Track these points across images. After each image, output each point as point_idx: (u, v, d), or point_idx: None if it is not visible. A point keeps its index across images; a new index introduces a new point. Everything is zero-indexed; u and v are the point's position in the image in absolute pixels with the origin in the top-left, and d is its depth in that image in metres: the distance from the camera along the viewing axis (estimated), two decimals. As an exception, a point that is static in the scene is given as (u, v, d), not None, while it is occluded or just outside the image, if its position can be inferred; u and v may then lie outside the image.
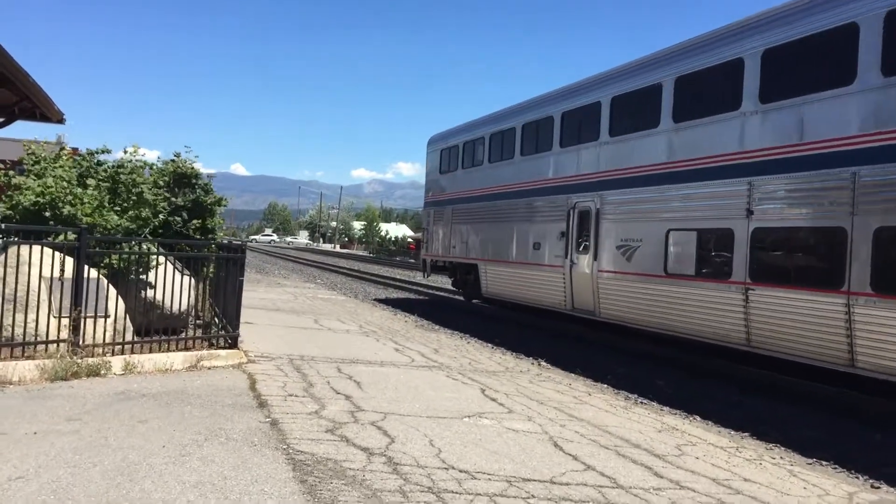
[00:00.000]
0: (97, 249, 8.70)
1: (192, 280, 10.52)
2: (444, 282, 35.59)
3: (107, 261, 9.06)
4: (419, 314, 19.34)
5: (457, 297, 24.84)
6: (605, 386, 10.29)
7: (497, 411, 7.63)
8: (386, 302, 22.70)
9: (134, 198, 10.34)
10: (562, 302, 14.95)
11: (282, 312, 16.13)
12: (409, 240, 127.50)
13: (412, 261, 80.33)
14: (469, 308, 21.64)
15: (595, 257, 13.69)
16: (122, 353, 8.27)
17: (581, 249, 14.18)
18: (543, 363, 11.92)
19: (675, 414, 8.69)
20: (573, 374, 11.02)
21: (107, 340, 8.24)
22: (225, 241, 12.00)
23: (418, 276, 41.44)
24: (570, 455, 6.11)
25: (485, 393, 8.63)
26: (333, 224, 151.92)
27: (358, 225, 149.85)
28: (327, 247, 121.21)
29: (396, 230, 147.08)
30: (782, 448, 7.35)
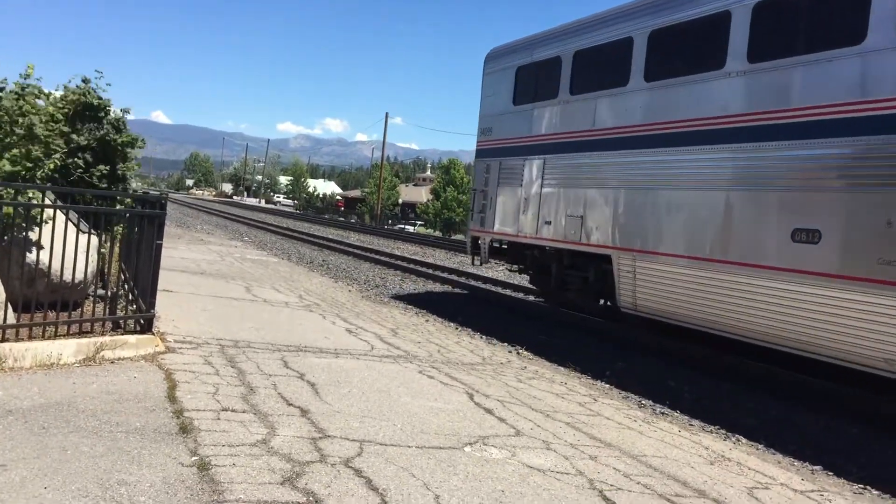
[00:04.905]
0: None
1: (97, 240, 8.25)
2: (379, 244, 33.41)
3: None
4: (362, 282, 17.35)
5: (397, 259, 22.78)
6: (608, 386, 8.55)
7: (502, 433, 5.78)
8: (323, 266, 20.54)
9: (20, 131, 7.93)
10: None
11: (207, 276, 13.87)
12: (338, 197, 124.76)
13: (342, 219, 77.93)
14: (411, 274, 19.66)
15: None
16: (-11, 340, 6.04)
17: None
18: (523, 351, 10.11)
19: (711, 432, 7.00)
20: (563, 369, 9.26)
21: (-34, 324, 5.98)
22: (140, 193, 9.68)
23: (352, 237, 39.24)
24: (633, 519, 4.30)
25: (474, 399, 6.76)
26: (259, 178, 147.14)
27: (284, 180, 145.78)
28: (252, 201, 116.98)
29: (324, 187, 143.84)
30: (873, 491, 5.73)
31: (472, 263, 15.89)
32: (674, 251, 9.58)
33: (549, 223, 12.34)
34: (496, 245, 14.69)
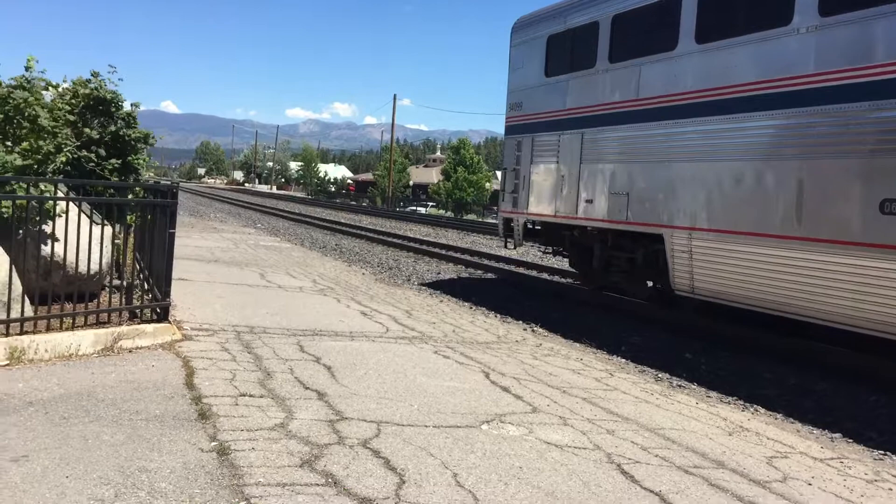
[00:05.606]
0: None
1: (111, 231, 8.30)
2: (391, 226, 33.48)
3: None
4: (375, 265, 17.39)
5: (409, 241, 22.80)
6: (624, 361, 8.55)
7: (519, 410, 5.79)
8: (336, 250, 20.60)
9: (28, 125, 7.96)
10: None
11: (221, 264, 13.95)
12: (349, 181, 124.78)
13: (353, 203, 78.01)
14: (424, 255, 19.68)
15: None
16: (7, 333, 6.09)
17: None
18: (538, 329, 10.12)
19: (729, 403, 6.99)
20: (579, 345, 9.26)
21: (-15, 318, 6.05)
22: (151, 182, 9.71)
23: (364, 220, 39.29)
24: (651, 492, 4.30)
25: (490, 378, 6.78)
26: (269, 164, 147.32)
27: (295, 165, 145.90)
28: (263, 188, 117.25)
29: (335, 171, 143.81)
30: (894, 457, 5.71)
31: (505, 247, 14.91)
32: (738, 228, 8.60)
33: (590, 202, 11.41)
34: (530, 226, 13.74)
